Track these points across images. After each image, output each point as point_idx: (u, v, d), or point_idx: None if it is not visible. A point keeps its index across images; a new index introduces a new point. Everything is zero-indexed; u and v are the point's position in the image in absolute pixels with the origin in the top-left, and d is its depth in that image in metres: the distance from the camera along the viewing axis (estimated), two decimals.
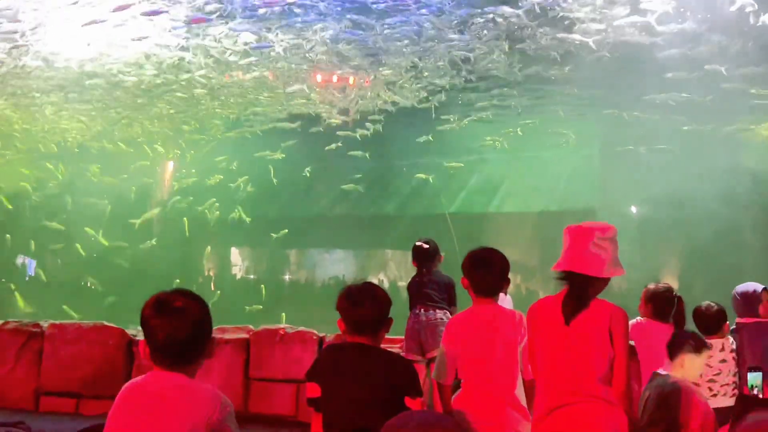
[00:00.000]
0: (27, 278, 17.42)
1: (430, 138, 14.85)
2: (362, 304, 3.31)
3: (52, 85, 12.67)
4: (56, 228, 16.57)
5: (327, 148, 15.11)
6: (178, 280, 14.91)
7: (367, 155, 15.26)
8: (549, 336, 3.36)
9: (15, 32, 10.04)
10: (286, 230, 16.58)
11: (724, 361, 4.91)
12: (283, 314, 12.18)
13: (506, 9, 9.38)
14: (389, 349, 3.54)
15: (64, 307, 14.56)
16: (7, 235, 16.66)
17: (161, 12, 9.38)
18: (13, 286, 16.68)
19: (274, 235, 16.56)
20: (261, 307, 15.09)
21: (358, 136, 14.70)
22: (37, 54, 10.98)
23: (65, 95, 13.23)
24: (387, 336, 3.44)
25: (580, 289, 3.32)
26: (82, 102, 13.66)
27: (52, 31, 10.08)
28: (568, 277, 3.35)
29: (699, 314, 5.02)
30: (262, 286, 16.98)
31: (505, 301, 6.63)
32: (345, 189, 16.38)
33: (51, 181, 17.26)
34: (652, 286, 5.00)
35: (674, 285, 5.49)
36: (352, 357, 3.30)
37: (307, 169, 16.43)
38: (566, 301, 3.32)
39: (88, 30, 9.83)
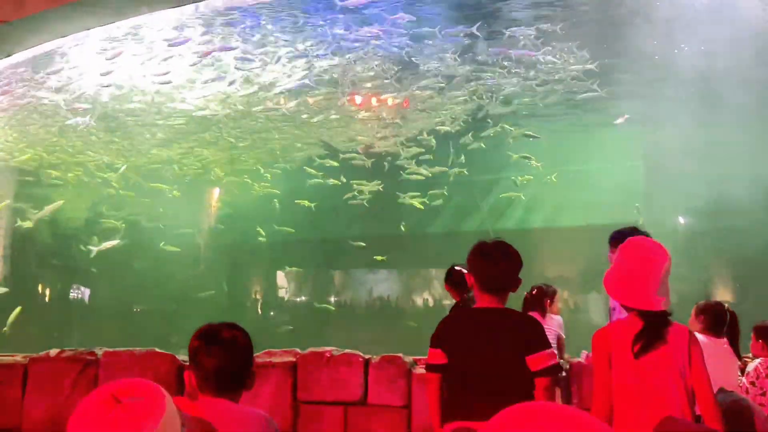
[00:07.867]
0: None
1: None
2: (498, 260, 3.29)
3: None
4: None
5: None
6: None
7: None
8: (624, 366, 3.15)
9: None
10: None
11: None
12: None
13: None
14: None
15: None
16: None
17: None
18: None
19: None
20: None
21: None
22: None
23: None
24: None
25: (659, 326, 3.14)
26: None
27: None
28: (642, 315, 3.15)
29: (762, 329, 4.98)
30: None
31: (554, 320, 6.57)
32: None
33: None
34: (702, 303, 4.93)
35: (726, 297, 5.40)
36: (483, 318, 3.27)
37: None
38: (639, 337, 3.11)
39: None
